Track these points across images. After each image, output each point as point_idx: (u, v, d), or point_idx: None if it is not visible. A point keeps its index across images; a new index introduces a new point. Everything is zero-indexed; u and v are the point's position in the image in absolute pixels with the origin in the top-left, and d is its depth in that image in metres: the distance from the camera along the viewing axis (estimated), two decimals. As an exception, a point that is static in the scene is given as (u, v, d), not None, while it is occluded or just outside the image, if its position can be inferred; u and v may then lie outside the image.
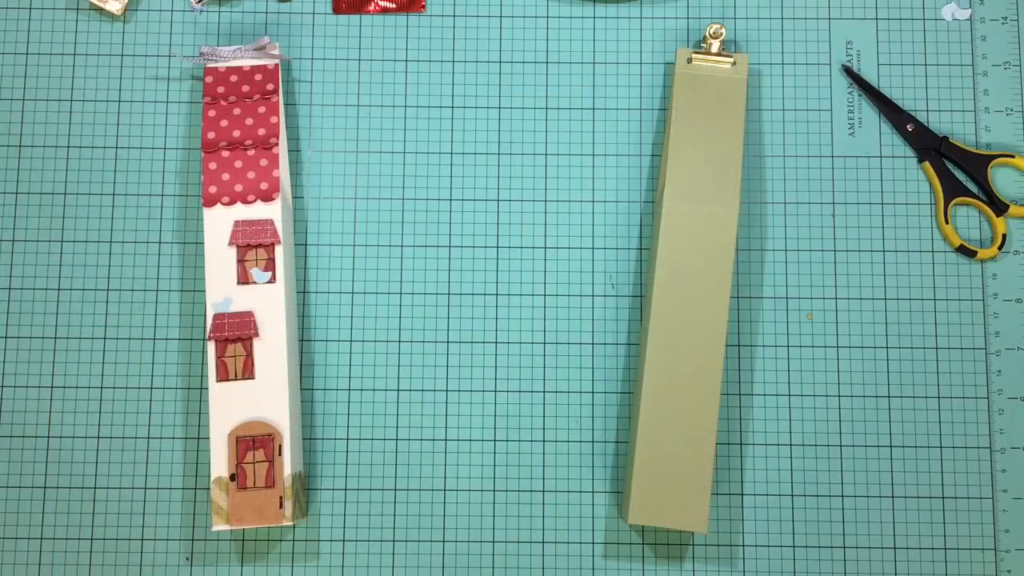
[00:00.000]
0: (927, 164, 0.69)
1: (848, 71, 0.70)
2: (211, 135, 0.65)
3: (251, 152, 0.65)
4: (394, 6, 0.70)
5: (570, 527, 0.65)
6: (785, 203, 0.69)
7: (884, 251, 0.68)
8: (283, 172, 0.66)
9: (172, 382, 0.67)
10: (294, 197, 0.68)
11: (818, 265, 0.68)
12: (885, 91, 0.70)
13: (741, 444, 0.66)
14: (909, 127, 0.69)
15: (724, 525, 0.65)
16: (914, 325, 0.67)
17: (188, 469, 0.66)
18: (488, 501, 0.66)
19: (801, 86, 0.70)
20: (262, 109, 0.65)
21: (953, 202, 0.68)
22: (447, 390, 0.67)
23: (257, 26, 0.70)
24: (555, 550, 0.65)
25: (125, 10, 0.70)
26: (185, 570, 0.65)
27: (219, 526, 0.61)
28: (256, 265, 0.63)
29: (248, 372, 0.62)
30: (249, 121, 0.65)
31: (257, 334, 0.63)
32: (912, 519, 0.65)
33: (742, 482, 0.66)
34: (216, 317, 0.63)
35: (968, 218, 0.69)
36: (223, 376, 0.62)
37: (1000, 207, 0.68)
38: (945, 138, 0.69)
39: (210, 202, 0.64)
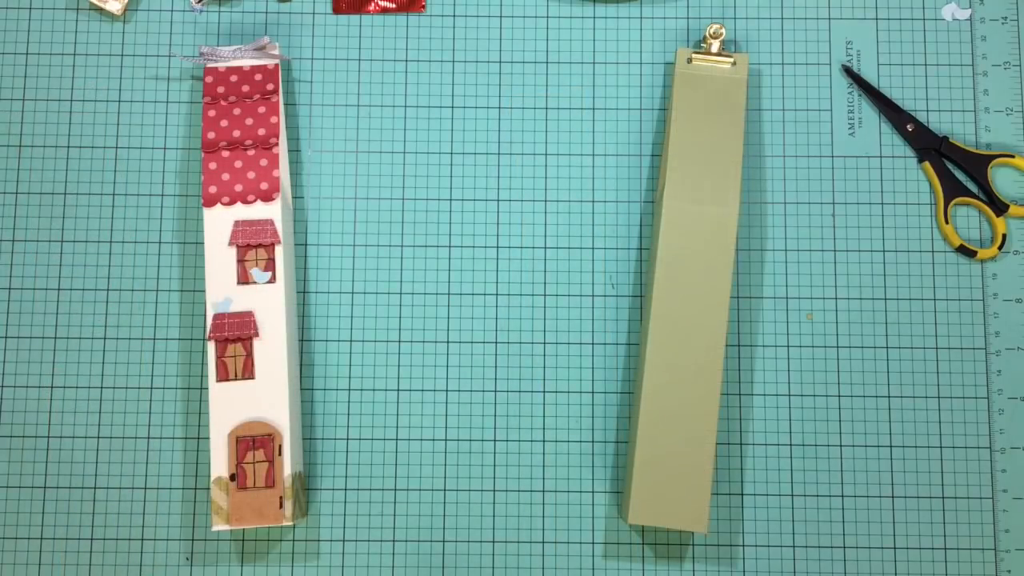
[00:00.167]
0: (927, 164, 0.69)
1: (848, 71, 0.70)
2: (211, 135, 0.65)
3: (251, 152, 0.65)
4: (394, 6, 0.70)
5: (570, 527, 0.65)
6: (785, 203, 0.69)
7: (884, 251, 0.68)
8: (283, 172, 0.66)
9: (172, 382, 0.67)
10: (294, 197, 0.68)
11: (818, 265, 0.68)
12: (885, 91, 0.70)
13: (741, 444, 0.66)
14: (909, 127, 0.69)
15: (724, 525, 0.65)
16: (914, 325, 0.67)
17: (188, 469, 0.66)
18: (488, 501, 0.66)
19: (801, 86, 0.70)
20: (262, 109, 0.65)
21: (953, 202, 0.68)
22: (447, 390, 0.67)
23: (257, 26, 0.70)
24: (555, 550, 0.65)
25: (125, 10, 0.70)
26: (185, 570, 0.65)
27: (219, 526, 0.61)
28: (256, 265, 0.63)
29: (248, 372, 0.62)
30: (249, 121, 0.65)
31: (257, 334, 0.63)
32: (912, 519, 0.65)
33: (742, 482, 0.66)
34: (216, 317, 0.63)
35: (968, 218, 0.69)
36: (223, 376, 0.62)
37: (1000, 207, 0.68)
38: (945, 138, 0.69)
39: (210, 202, 0.64)
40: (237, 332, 0.63)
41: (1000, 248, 0.68)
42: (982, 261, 0.68)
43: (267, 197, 0.64)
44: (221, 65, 0.66)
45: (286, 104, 0.69)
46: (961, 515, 0.65)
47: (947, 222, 0.68)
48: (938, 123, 0.70)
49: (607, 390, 0.67)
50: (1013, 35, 0.70)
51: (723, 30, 0.67)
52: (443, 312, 0.67)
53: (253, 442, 0.62)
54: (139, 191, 0.68)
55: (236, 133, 0.65)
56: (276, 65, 0.66)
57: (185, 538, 0.65)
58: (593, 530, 0.65)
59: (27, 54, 0.70)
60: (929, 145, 0.69)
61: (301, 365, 0.67)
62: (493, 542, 0.65)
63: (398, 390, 0.67)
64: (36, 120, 0.69)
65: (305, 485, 0.66)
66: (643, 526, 0.65)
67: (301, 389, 0.67)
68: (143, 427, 0.66)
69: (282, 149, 0.66)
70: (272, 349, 0.63)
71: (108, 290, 0.67)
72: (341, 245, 0.68)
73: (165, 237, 0.68)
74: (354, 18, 0.71)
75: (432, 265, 0.68)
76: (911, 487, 0.66)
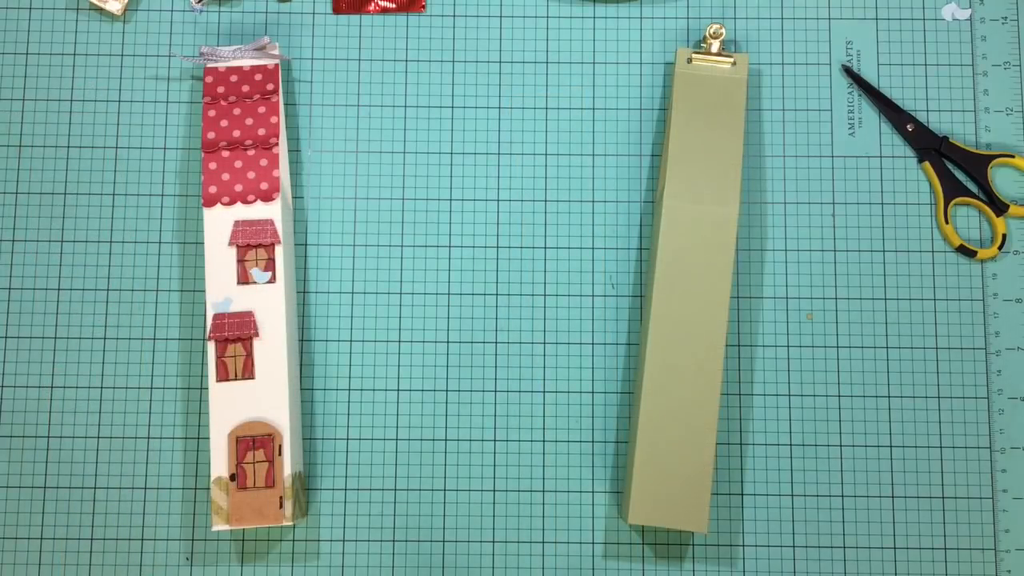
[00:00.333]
0: (927, 164, 0.69)
1: (848, 71, 0.70)
2: (211, 135, 0.65)
3: (251, 152, 0.65)
4: (394, 6, 0.70)
5: (570, 527, 0.65)
6: (785, 203, 0.69)
7: (884, 251, 0.68)
8: (283, 172, 0.66)
9: (172, 382, 0.67)
10: (294, 197, 0.68)
11: (818, 265, 0.68)
12: (885, 91, 0.70)
13: (741, 444, 0.66)
14: (909, 127, 0.69)
15: (724, 525, 0.65)
16: (914, 325, 0.67)
17: (188, 469, 0.66)
18: (488, 501, 0.66)
19: (801, 86, 0.70)
20: (262, 109, 0.65)
21: (953, 202, 0.68)
22: (447, 390, 0.67)
23: (257, 26, 0.70)
24: (555, 550, 0.65)
25: (125, 10, 0.70)
26: (185, 570, 0.65)
27: (219, 526, 0.61)
28: (256, 265, 0.63)
29: (248, 372, 0.62)
30: (249, 121, 0.65)
31: (257, 334, 0.63)
32: (912, 519, 0.65)
33: (742, 482, 0.66)
34: (216, 317, 0.63)
35: (968, 218, 0.69)
36: (223, 376, 0.62)
37: (1000, 207, 0.68)
38: (945, 138, 0.69)
39: (210, 202, 0.64)
40: (237, 332, 0.63)
41: (1000, 248, 0.68)
42: (982, 261, 0.68)
43: (267, 197, 0.64)
44: (221, 65, 0.66)
45: (286, 104, 0.69)
46: (961, 515, 0.65)
47: (947, 222, 0.68)
48: (938, 123, 0.70)
49: (607, 390, 0.67)
50: (1013, 35, 0.70)
51: (723, 30, 0.67)
52: (443, 312, 0.67)
53: (253, 442, 0.62)
54: (139, 191, 0.68)
55: (236, 133, 0.65)
56: (276, 65, 0.66)
57: (185, 538, 0.65)
58: (593, 530, 0.65)
59: (27, 54, 0.70)
60: (929, 145, 0.69)
61: (301, 365, 0.67)
62: (493, 542, 0.65)
63: (398, 390, 0.67)
64: (36, 120, 0.69)
65: (305, 485, 0.66)
66: (643, 526, 0.65)
67: (301, 389, 0.67)
68: (143, 427, 0.66)
69: (282, 149, 0.66)
70: (272, 349, 0.63)
71: (108, 290, 0.67)
72: (341, 245, 0.68)
73: (165, 237, 0.68)
74: (354, 18, 0.71)
75: (432, 265, 0.68)
76: (911, 487, 0.66)
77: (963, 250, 0.68)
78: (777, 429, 0.66)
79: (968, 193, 0.68)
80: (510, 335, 0.67)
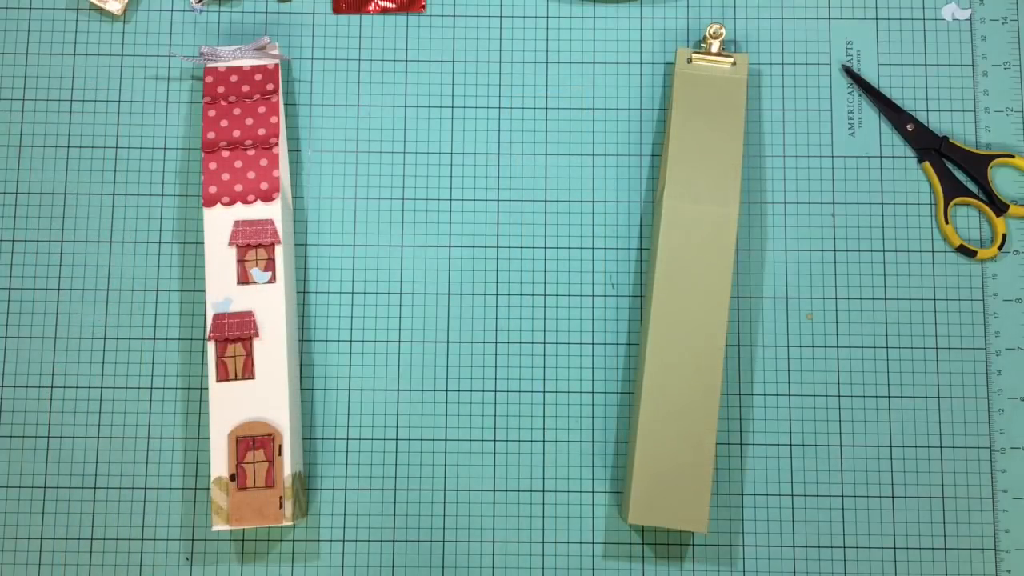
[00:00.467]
0: (927, 164, 0.69)
1: (848, 71, 0.70)
2: (211, 135, 0.65)
3: (251, 152, 0.65)
4: (394, 6, 0.70)
5: (570, 527, 0.65)
6: (785, 203, 0.69)
7: (884, 251, 0.68)
8: (283, 172, 0.66)
9: (172, 382, 0.67)
10: (294, 197, 0.68)
11: (818, 265, 0.68)
12: (885, 91, 0.70)
13: (741, 444, 0.66)
14: (909, 127, 0.69)
15: (724, 525, 0.65)
16: (914, 325, 0.67)
17: (188, 469, 0.66)
18: (488, 501, 0.66)
19: (801, 86, 0.70)
20: (262, 109, 0.65)
21: (953, 202, 0.68)
22: (447, 390, 0.67)
23: (257, 26, 0.70)
24: (555, 550, 0.65)
25: (125, 10, 0.70)
26: (185, 570, 0.65)
27: (219, 526, 0.61)
28: (256, 265, 0.63)
29: (248, 372, 0.62)
30: (249, 121, 0.65)
31: (257, 334, 0.63)
32: (912, 519, 0.65)
33: (742, 482, 0.66)
34: (216, 317, 0.63)
35: (968, 218, 0.69)
36: (223, 376, 0.62)
37: (1000, 207, 0.68)
38: (945, 138, 0.69)
39: (210, 202, 0.64)
40: (237, 332, 0.63)
41: (1000, 248, 0.68)
42: (982, 261, 0.68)
43: (267, 197, 0.64)
44: (221, 65, 0.66)
45: (286, 104, 0.69)
46: (961, 515, 0.65)
47: (947, 222, 0.68)
48: (938, 123, 0.70)
49: (607, 390, 0.67)
50: (1013, 35, 0.70)
51: (723, 30, 0.67)
52: (443, 312, 0.67)
53: (253, 442, 0.62)
54: (139, 191, 0.68)
55: (236, 133, 0.65)
56: (276, 65, 0.66)
57: (185, 538, 0.65)
58: (593, 530, 0.65)
59: (27, 54, 0.70)
60: (929, 145, 0.69)
61: (301, 365, 0.67)
62: (493, 542, 0.65)
63: (398, 390, 0.67)
64: (36, 120, 0.69)
65: (305, 485, 0.66)
66: (643, 526, 0.65)
67: (301, 389, 0.67)
68: (143, 427, 0.66)
69: (282, 149, 0.66)
70: (272, 349, 0.63)
71: (108, 290, 0.67)
72: (341, 245, 0.68)
73: (165, 237, 0.68)
74: (354, 18, 0.71)
75: (432, 265, 0.68)
76: (911, 487, 0.66)
77: (963, 250, 0.68)
78: (777, 429, 0.66)
79: (968, 193, 0.68)
80: (510, 335, 0.67)
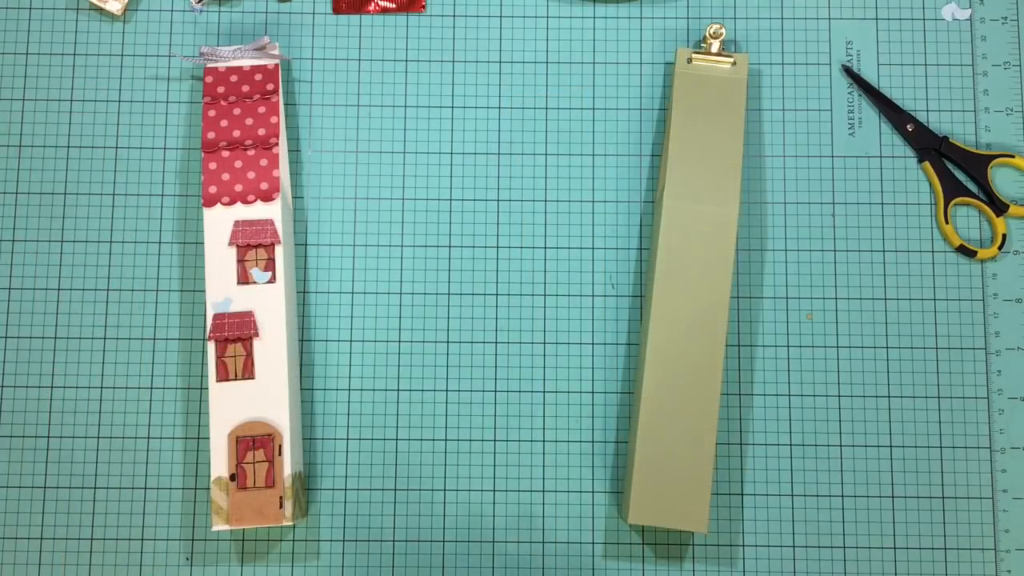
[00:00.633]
0: (927, 164, 0.69)
1: (848, 71, 0.70)
2: (211, 135, 0.65)
3: (251, 152, 0.65)
4: (394, 6, 0.70)
5: (570, 527, 0.65)
6: (785, 203, 0.69)
7: (884, 251, 0.68)
8: (283, 172, 0.66)
9: (172, 382, 0.67)
10: (294, 197, 0.68)
11: (818, 265, 0.68)
12: (885, 91, 0.70)
13: (741, 444, 0.66)
14: (909, 127, 0.69)
15: (724, 525, 0.65)
16: (914, 325, 0.67)
17: (188, 469, 0.66)
18: (488, 501, 0.66)
19: (801, 86, 0.70)
20: (262, 109, 0.65)
21: (953, 202, 0.68)
22: (447, 390, 0.67)
23: (257, 26, 0.70)
24: (555, 550, 0.65)
25: (125, 10, 0.70)
26: (185, 570, 0.65)
27: (219, 526, 0.61)
28: (256, 265, 0.63)
29: (248, 372, 0.62)
30: (249, 121, 0.65)
31: (257, 334, 0.63)
32: (912, 519, 0.65)
33: (742, 482, 0.66)
34: (216, 317, 0.63)
35: (968, 218, 0.69)
36: (223, 376, 0.62)
37: (1000, 207, 0.68)
38: (945, 138, 0.69)
39: (210, 202, 0.64)
40: (237, 332, 0.63)
41: (1000, 248, 0.68)
42: (982, 261, 0.68)
43: (267, 197, 0.64)
44: (221, 65, 0.66)
45: (286, 104, 0.69)
46: (961, 515, 0.65)
47: (947, 222, 0.68)
48: (938, 123, 0.70)
49: (607, 390, 0.67)
50: (1013, 35, 0.70)
51: (723, 30, 0.67)
52: (443, 312, 0.67)
53: (253, 442, 0.62)
54: (139, 191, 0.68)
55: (236, 133, 0.65)
56: (276, 65, 0.66)
57: (185, 538, 0.65)
58: (593, 530, 0.65)
59: (27, 54, 0.70)
60: (929, 145, 0.69)
61: (301, 365, 0.67)
62: (493, 542, 0.65)
63: (398, 390, 0.67)
64: (36, 120, 0.69)
65: (305, 485, 0.66)
66: (643, 526, 0.65)
67: (301, 389, 0.67)
68: (143, 427, 0.66)
69: (282, 149, 0.66)
70: (272, 349, 0.63)
71: (108, 290, 0.67)
72: (341, 245, 0.68)
73: (165, 237, 0.68)
74: (354, 18, 0.71)
75: (432, 265, 0.68)
76: (911, 487, 0.66)
77: (963, 250, 0.68)
78: (777, 429, 0.66)
79: (968, 193, 0.68)
80: (510, 335, 0.67)
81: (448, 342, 0.67)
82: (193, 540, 0.65)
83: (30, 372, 0.67)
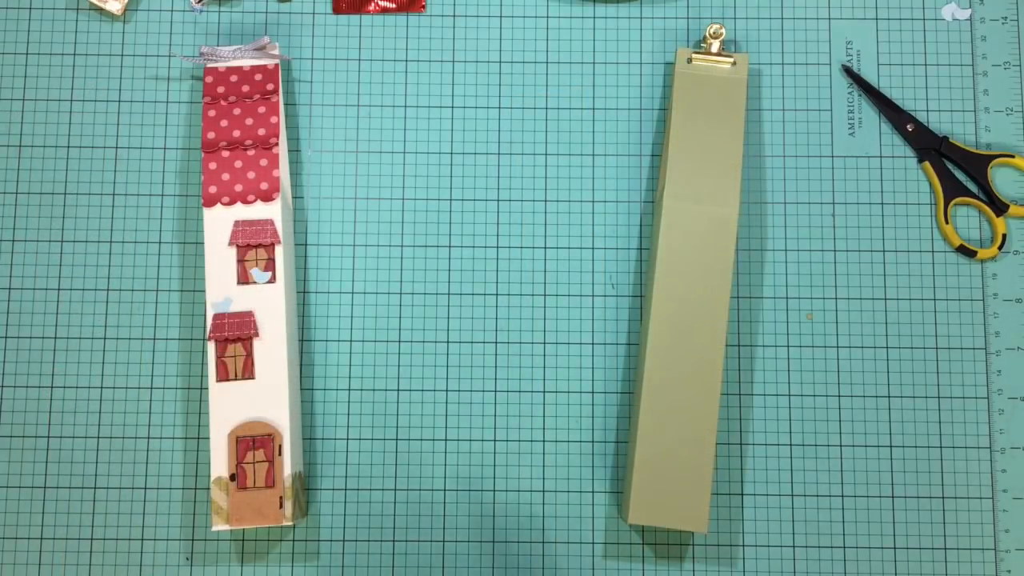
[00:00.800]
0: (927, 164, 0.69)
1: (848, 71, 0.70)
2: (211, 135, 0.65)
3: (251, 152, 0.65)
4: (394, 6, 0.70)
5: (570, 527, 0.65)
6: (785, 203, 0.69)
7: (884, 251, 0.68)
8: (283, 172, 0.66)
9: (172, 382, 0.67)
10: (294, 197, 0.68)
11: (818, 265, 0.68)
12: (885, 91, 0.70)
13: (741, 444, 0.66)
14: (909, 127, 0.69)
15: (724, 525, 0.65)
16: (914, 325, 0.67)
17: (188, 469, 0.66)
18: (488, 501, 0.66)
19: (801, 86, 0.70)
20: (262, 109, 0.65)
21: (953, 202, 0.68)
22: (447, 390, 0.67)
23: (257, 26, 0.70)
24: (555, 550, 0.65)
25: (125, 10, 0.70)
26: (185, 570, 0.65)
27: (219, 526, 0.61)
28: (256, 265, 0.63)
29: (248, 372, 0.62)
30: (249, 121, 0.65)
31: (257, 334, 0.63)
32: (912, 519, 0.65)
33: (742, 482, 0.66)
34: (216, 317, 0.63)
35: (968, 218, 0.69)
36: (223, 376, 0.62)
37: (1000, 207, 0.68)
38: (945, 138, 0.69)
39: (210, 202, 0.64)
40: (237, 332, 0.63)
41: (1000, 248, 0.68)
42: (982, 261, 0.68)
43: (267, 197, 0.64)
44: (221, 65, 0.66)
45: (286, 104, 0.69)
46: (961, 515, 0.65)
47: (947, 222, 0.68)
48: (938, 123, 0.70)
49: (607, 390, 0.67)
50: (1013, 35, 0.70)
51: (723, 30, 0.67)
52: (443, 312, 0.67)
53: (253, 442, 0.62)
54: (139, 191, 0.68)
55: (236, 133, 0.65)
56: (276, 65, 0.66)
57: (185, 538, 0.65)
58: (593, 530, 0.65)
59: (27, 54, 0.70)
60: (929, 145, 0.69)
61: (301, 365, 0.67)
62: (493, 542, 0.65)
63: (398, 390, 0.67)
64: (36, 120, 0.69)
65: (305, 485, 0.66)
66: (643, 526, 0.65)
67: (301, 389, 0.67)
68: (143, 427, 0.66)
69: (282, 149, 0.66)
70: (272, 349, 0.63)
71: (108, 290, 0.67)
72: (341, 245, 0.68)
73: (165, 237, 0.68)
74: (354, 18, 0.71)
75: (432, 265, 0.68)
76: (911, 487, 0.66)
77: (963, 250, 0.68)
78: (777, 429, 0.66)
79: (968, 193, 0.68)
80: (510, 335, 0.67)
81: (448, 342, 0.67)
82: (193, 540, 0.65)
83: (30, 372, 0.67)
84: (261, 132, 0.65)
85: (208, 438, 0.64)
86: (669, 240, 0.64)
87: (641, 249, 0.68)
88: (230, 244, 0.64)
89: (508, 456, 0.66)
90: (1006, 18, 0.71)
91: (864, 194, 0.69)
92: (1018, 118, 0.70)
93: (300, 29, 0.70)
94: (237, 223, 0.64)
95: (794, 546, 0.65)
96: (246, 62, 0.66)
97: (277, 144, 0.65)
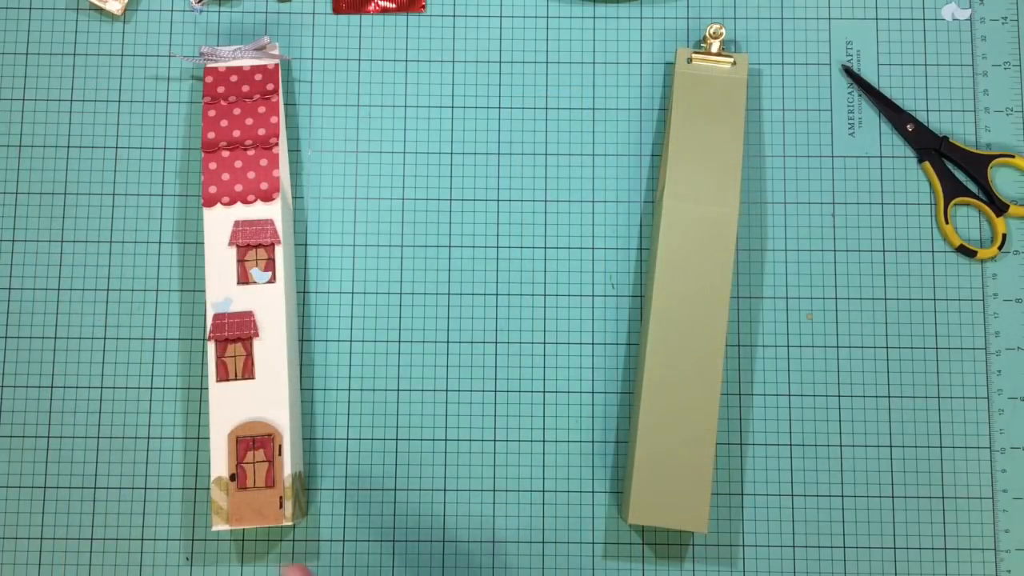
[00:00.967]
0: (927, 164, 0.69)
1: (848, 71, 0.70)
2: (211, 135, 0.65)
3: (251, 152, 0.65)
4: (394, 6, 0.70)
5: (570, 527, 0.65)
6: (785, 203, 0.69)
7: (884, 251, 0.68)
8: (283, 172, 0.66)
9: (172, 382, 0.67)
10: (294, 197, 0.68)
11: (818, 265, 0.68)
12: (885, 91, 0.70)
13: (741, 444, 0.66)
14: (909, 127, 0.69)
15: (724, 525, 0.65)
16: (914, 325, 0.67)
17: (188, 469, 0.66)
18: (488, 501, 0.66)
19: (801, 86, 0.70)
20: (262, 109, 0.65)
21: (953, 202, 0.68)
22: (447, 390, 0.67)
23: (257, 26, 0.70)
24: (555, 550, 0.65)
25: (125, 10, 0.70)
26: (185, 570, 0.65)
27: (219, 526, 0.61)
28: (256, 265, 0.64)
29: (248, 372, 0.62)
30: (249, 121, 0.65)
31: (257, 334, 0.63)
32: (912, 519, 0.65)
33: (742, 482, 0.66)
34: (216, 317, 0.63)
35: (968, 218, 0.69)
36: (223, 376, 0.62)
37: (1000, 207, 0.68)
38: (945, 138, 0.69)
39: (210, 202, 0.64)
40: (237, 332, 0.63)
41: (1000, 248, 0.68)
42: (982, 261, 0.68)
43: (267, 197, 0.64)
44: (221, 65, 0.66)
45: (286, 104, 0.69)
46: (961, 515, 0.65)
47: (947, 222, 0.68)
48: (938, 123, 0.70)
49: (607, 390, 0.67)
50: (1013, 35, 0.70)
51: (723, 30, 0.67)
52: (443, 312, 0.67)
53: (253, 442, 0.62)
54: (139, 191, 0.68)
55: (236, 133, 0.65)
56: (276, 65, 0.66)
57: (185, 538, 0.65)
58: (593, 530, 0.65)
59: (27, 54, 0.70)
60: (929, 145, 0.69)
61: (301, 365, 0.67)
62: (493, 542, 0.65)
63: (398, 390, 0.67)
64: (36, 120, 0.69)
65: (305, 485, 0.66)
66: (643, 526, 0.65)
67: (301, 389, 0.67)
68: (143, 427, 0.66)
69: (282, 149, 0.66)
70: (272, 349, 0.63)
71: (108, 290, 0.67)
72: (341, 245, 0.68)
73: (165, 237, 0.68)
74: (354, 18, 0.71)
75: (432, 265, 0.68)
76: (911, 487, 0.66)
77: (963, 250, 0.68)
78: (777, 429, 0.66)
79: (968, 193, 0.68)
80: (510, 335, 0.67)
81: (448, 342, 0.67)
82: (193, 540, 0.65)
83: (30, 372, 0.67)
84: (261, 132, 0.65)
85: (208, 438, 0.64)
86: (669, 240, 0.64)
87: (641, 249, 0.68)
88: (230, 244, 0.64)
89: (508, 456, 0.66)
90: (1006, 18, 0.71)
91: (864, 194, 0.69)
92: (1018, 118, 0.70)
93: (300, 29, 0.70)
94: (237, 223, 0.64)
95: (794, 546, 0.65)
96: (246, 62, 0.66)
97: (277, 144, 0.65)
